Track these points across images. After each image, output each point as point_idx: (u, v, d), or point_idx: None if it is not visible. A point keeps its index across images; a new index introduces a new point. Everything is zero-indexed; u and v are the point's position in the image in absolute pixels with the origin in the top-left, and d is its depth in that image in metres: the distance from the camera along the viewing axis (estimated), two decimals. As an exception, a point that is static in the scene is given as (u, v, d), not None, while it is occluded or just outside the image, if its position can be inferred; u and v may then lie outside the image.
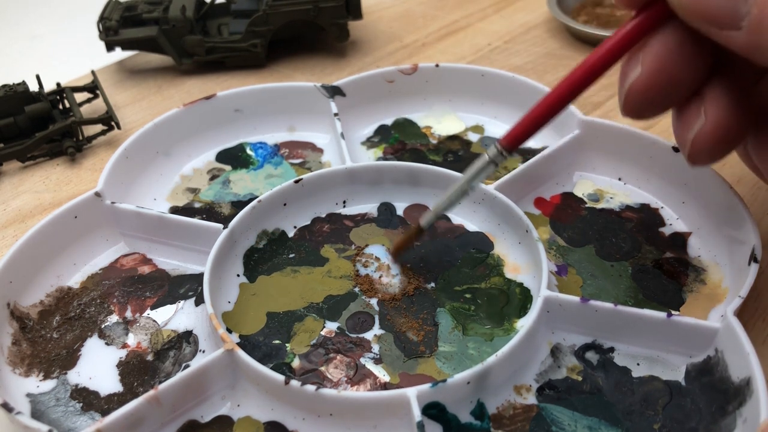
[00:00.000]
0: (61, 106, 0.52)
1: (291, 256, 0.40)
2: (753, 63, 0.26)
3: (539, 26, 0.63)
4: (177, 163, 0.47)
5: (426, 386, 0.30)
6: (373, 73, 0.49)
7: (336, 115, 0.47)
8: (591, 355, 0.34)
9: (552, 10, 0.61)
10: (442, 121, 0.50)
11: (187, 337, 0.36)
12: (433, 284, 0.38)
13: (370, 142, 0.48)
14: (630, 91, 0.30)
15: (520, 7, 0.66)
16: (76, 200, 0.39)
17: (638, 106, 0.30)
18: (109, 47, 0.57)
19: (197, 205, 0.44)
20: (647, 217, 0.41)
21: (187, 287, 0.39)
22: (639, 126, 0.43)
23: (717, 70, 0.29)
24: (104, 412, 0.32)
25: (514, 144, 0.33)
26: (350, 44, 0.61)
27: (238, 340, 0.35)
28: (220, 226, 0.38)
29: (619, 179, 0.43)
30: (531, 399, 0.32)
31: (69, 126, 0.49)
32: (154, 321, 0.37)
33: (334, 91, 0.48)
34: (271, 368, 0.32)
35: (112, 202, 0.40)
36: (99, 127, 0.51)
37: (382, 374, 0.34)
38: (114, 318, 0.37)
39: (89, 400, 0.33)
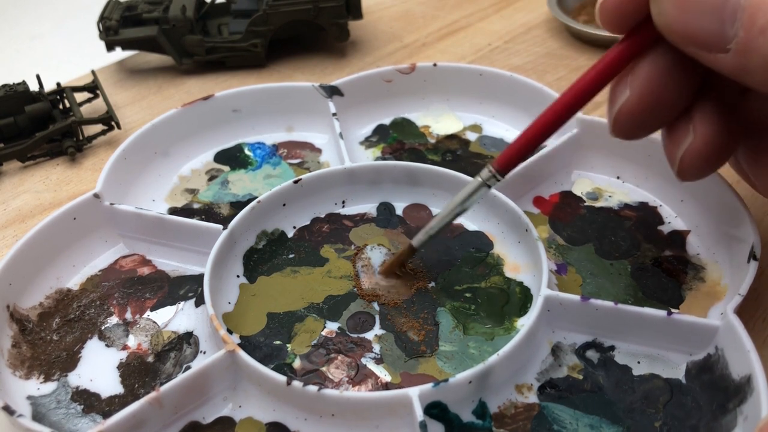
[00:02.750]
0: (61, 106, 0.52)
1: (291, 256, 0.40)
2: (740, 83, 0.26)
3: (539, 26, 0.63)
4: (175, 164, 0.47)
5: (428, 386, 0.30)
6: (371, 72, 0.49)
7: (334, 114, 0.46)
8: (592, 354, 0.34)
9: (552, 10, 0.61)
10: (440, 121, 0.50)
11: (188, 338, 0.36)
12: (433, 284, 0.38)
13: (368, 142, 0.48)
14: (619, 115, 0.30)
15: (520, 7, 0.66)
16: (74, 202, 0.39)
17: (627, 128, 0.30)
18: (109, 47, 0.57)
19: (196, 205, 0.44)
20: (646, 215, 0.41)
21: (187, 288, 0.39)
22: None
23: (704, 88, 0.30)
24: (105, 414, 0.32)
25: (507, 167, 0.33)
26: (350, 44, 0.61)
27: (239, 341, 0.35)
28: (220, 227, 0.38)
29: (618, 178, 0.43)
30: (532, 398, 0.32)
31: (69, 126, 0.49)
32: (155, 322, 0.37)
33: (333, 91, 0.48)
34: (272, 369, 0.32)
35: (111, 204, 0.40)
36: (99, 127, 0.51)
37: (383, 374, 0.34)
38: (114, 319, 0.37)
39: (90, 402, 0.33)
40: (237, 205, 0.43)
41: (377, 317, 0.36)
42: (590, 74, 0.30)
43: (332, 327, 0.36)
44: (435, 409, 0.30)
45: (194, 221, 0.39)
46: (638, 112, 0.29)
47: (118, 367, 0.35)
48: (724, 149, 0.30)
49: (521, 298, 0.37)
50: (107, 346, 0.36)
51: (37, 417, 0.32)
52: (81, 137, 0.50)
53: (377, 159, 0.47)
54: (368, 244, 0.40)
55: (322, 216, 0.42)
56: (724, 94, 0.30)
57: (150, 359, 0.35)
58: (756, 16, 0.24)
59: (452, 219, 0.36)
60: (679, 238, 0.39)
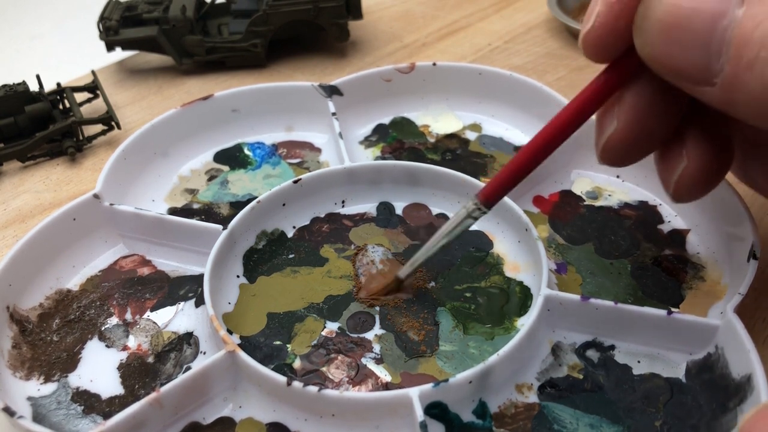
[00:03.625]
0: (61, 106, 0.52)
1: (290, 256, 0.40)
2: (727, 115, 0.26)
3: (539, 26, 0.63)
4: (175, 164, 0.47)
5: (428, 386, 0.30)
6: (370, 72, 0.49)
7: (334, 114, 0.46)
8: (592, 353, 0.34)
9: (552, 10, 0.61)
10: (439, 120, 0.50)
11: (188, 338, 0.36)
12: (433, 283, 0.38)
13: (368, 142, 0.48)
14: (607, 145, 0.30)
15: (520, 7, 0.66)
16: (74, 202, 0.39)
17: (616, 157, 0.30)
18: (109, 47, 0.57)
19: (195, 206, 0.44)
20: (646, 214, 0.41)
21: (187, 288, 0.39)
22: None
23: (694, 112, 0.29)
24: (106, 415, 0.32)
25: (491, 199, 0.33)
26: (350, 44, 0.61)
27: (239, 342, 0.35)
28: (220, 227, 0.38)
29: (618, 177, 0.43)
30: (532, 397, 0.32)
31: (69, 126, 0.49)
32: (155, 323, 0.37)
33: (332, 91, 0.48)
34: (273, 369, 0.32)
35: (111, 204, 0.40)
36: (99, 127, 0.51)
37: (383, 374, 0.34)
38: (114, 320, 0.37)
39: (90, 403, 0.33)
40: (237, 205, 0.43)
41: (377, 317, 0.36)
42: (573, 106, 0.29)
43: (332, 327, 0.36)
44: (435, 409, 0.30)
45: (194, 221, 0.39)
46: (627, 142, 0.29)
47: (119, 368, 0.35)
48: (718, 171, 0.30)
49: (521, 298, 0.37)
50: (107, 346, 0.36)
51: (38, 418, 0.32)
52: (81, 137, 0.50)
53: (377, 158, 0.47)
54: (368, 244, 0.40)
55: (322, 216, 0.42)
56: (715, 117, 0.29)
57: (150, 360, 0.35)
58: (743, 51, 0.23)
59: (438, 250, 0.35)
60: (679, 237, 0.39)
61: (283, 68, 0.59)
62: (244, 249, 0.40)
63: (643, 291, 0.37)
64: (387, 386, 0.33)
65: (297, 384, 0.30)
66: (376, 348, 0.35)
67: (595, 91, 0.29)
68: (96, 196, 0.40)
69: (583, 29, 0.28)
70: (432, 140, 0.48)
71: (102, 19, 0.56)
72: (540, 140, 0.30)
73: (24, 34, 0.76)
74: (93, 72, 0.55)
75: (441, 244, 0.35)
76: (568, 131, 0.30)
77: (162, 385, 0.32)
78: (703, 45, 0.24)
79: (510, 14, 0.65)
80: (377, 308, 0.37)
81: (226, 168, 0.47)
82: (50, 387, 0.34)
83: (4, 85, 0.49)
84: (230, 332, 0.36)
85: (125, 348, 0.36)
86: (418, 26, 0.64)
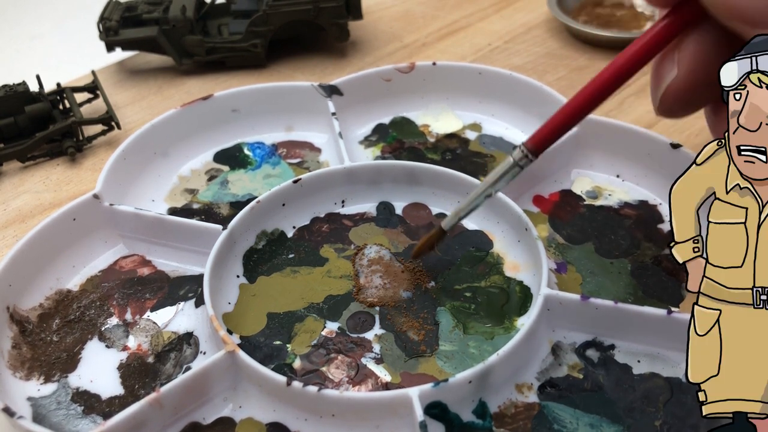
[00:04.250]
0: (61, 106, 0.52)
1: (290, 256, 0.40)
2: None
3: (539, 26, 0.63)
4: (175, 164, 0.47)
5: (428, 386, 0.30)
6: (370, 71, 0.49)
7: (334, 114, 0.46)
8: (592, 353, 0.34)
9: (552, 10, 0.61)
10: (439, 120, 0.50)
11: (188, 338, 0.36)
12: (433, 283, 0.38)
13: (368, 141, 0.48)
14: (667, 93, 0.29)
15: (520, 7, 0.66)
16: (74, 202, 0.39)
17: (675, 106, 0.30)
18: (109, 47, 0.57)
19: (195, 206, 0.44)
20: (646, 213, 0.41)
21: (187, 288, 0.39)
22: (637, 123, 0.43)
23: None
24: (106, 415, 0.32)
25: (540, 146, 0.32)
26: (350, 44, 0.61)
27: (239, 342, 0.35)
28: (219, 227, 0.38)
29: (618, 176, 0.43)
30: (532, 397, 0.32)
31: (69, 126, 0.49)
32: (155, 323, 0.37)
33: (332, 90, 0.48)
34: (273, 369, 0.32)
35: (111, 204, 0.40)
36: (99, 127, 0.51)
37: (383, 374, 0.34)
38: (114, 320, 0.37)
39: (90, 403, 0.33)
40: (236, 205, 0.43)
41: (377, 317, 0.36)
42: (633, 49, 0.29)
43: (332, 327, 0.36)
44: (435, 409, 0.30)
45: (194, 221, 0.39)
46: (687, 90, 0.29)
47: (119, 368, 0.35)
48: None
49: (521, 297, 0.37)
50: (107, 346, 0.36)
51: (38, 418, 0.32)
52: (81, 137, 0.50)
53: (377, 158, 0.47)
54: (368, 244, 0.40)
55: (322, 216, 0.42)
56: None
57: (150, 360, 0.35)
58: None
59: (482, 201, 0.35)
60: (679, 236, 0.39)
61: (283, 68, 0.58)
62: (244, 249, 0.40)
63: (643, 290, 0.37)
64: (387, 386, 0.33)
65: (297, 384, 0.30)
66: (376, 348, 0.35)
67: (657, 35, 0.28)
68: (96, 196, 0.40)
69: None
70: (432, 140, 0.48)
71: (102, 19, 0.56)
72: (595, 86, 0.30)
73: (24, 34, 0.76)
74: (93, 72, 0.55)
75: (486, 194, 0.34)
76: (624, 77, 0.29)
77: (162, 385, 0.32)
78: None
79: (510, 14, 0.65)
80: (377, 308, 0.37)
81: (226, 168, 0.47)
82: (50, 387, 0.34)
83: (4, 85, 0.49)
84: (230, 332, 0.36)
85: (125, 348, 0.36)
86: (418, 26, 0.64)
